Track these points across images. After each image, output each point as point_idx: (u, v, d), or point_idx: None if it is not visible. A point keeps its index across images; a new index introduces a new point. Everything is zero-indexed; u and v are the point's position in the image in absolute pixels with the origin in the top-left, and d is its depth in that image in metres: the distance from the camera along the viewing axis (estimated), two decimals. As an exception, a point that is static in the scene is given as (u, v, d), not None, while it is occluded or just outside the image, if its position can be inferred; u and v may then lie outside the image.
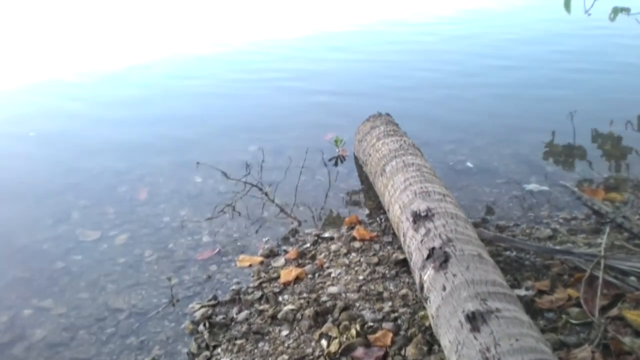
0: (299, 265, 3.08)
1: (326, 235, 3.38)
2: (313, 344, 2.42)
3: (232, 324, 2.66)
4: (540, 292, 2.52)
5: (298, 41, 8.29)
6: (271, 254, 3.25)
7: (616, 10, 4.47)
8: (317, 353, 2.35)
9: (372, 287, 2.75)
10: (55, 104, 6.19)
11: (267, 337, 2.52)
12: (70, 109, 5.96)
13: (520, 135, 4.58)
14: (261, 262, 3.18)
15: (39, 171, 4.51)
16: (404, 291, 2.69)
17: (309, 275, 2.97)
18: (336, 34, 8.56)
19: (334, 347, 2.35)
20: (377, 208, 3.54)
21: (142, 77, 7.02)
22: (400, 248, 2.94)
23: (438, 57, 6.60)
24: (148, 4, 13.53)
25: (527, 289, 2.55)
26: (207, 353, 2.49)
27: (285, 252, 3.25)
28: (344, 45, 7.75)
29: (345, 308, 2.59)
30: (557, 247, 2.82)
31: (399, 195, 3.03)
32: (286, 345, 2.44)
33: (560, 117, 4.89)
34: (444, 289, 2.12)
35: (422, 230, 2.57)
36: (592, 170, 4.02)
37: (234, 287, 2.98)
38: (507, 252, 2.89)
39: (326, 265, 3.05)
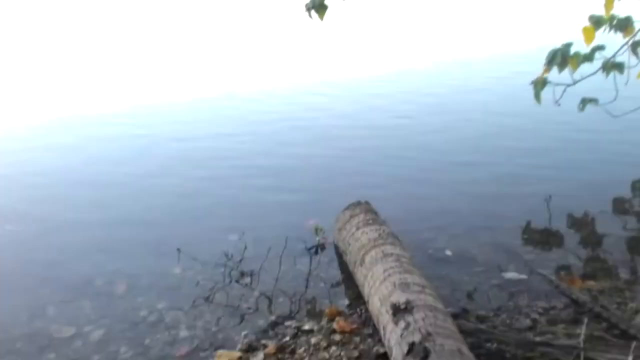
0: (278, 361, 3.02)
1: (306, 327, 3.34)
2: None
3: None
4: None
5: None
6: (250, 349, 3.19)
7: (585, 101, 4.70)
8: None
9: (353, 383, 2.70)
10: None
11: None
12: (38, 192, 5.86)
13: (498, 221, 4.65)
14: (239, 358, 3.11)
15: (14, 265, 4.42)
16: (385, 387, 2.64)
17: (289, 372, 2.91)
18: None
19: None
20: (358, 298, 3.52)
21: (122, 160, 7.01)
22: (380, 341, 2.91)
23: (413, 141, 6.72)
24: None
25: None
26: None
27: (265, 346, 3.19)
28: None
29: (325, 407, 2.54)
30: (537, 339, 2.82)
31: (379, 287, 3.03)
32: None
33: (536, 202, 4.98)
34: (424, 387, 2.10)
35: (402, 324, 2.56)
36: (570, 256, 4.07)
37: (211, 385, 2.90)
38: (488, 344, 2.87)
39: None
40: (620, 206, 4.91)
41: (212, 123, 8.00)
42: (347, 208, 4.19)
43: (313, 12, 4.29)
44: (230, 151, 6.71)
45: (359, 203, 4.24)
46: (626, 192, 5.14)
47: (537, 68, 4.24)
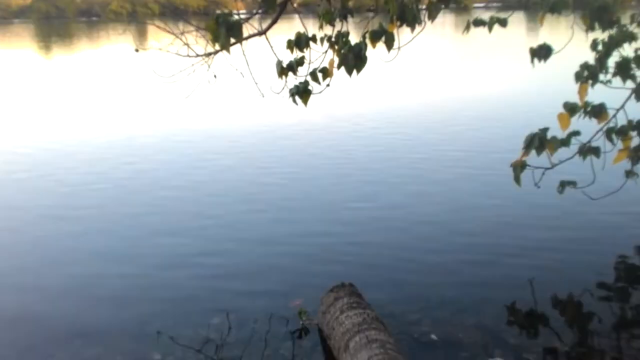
0: None
1: (289, 418, 3.24)
2: None
3: None
4: None
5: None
6: None
7: (563, 184, 4.82)
8: None
9: None
10: None
11: None
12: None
13: (483, 304, 4.62)
14: None
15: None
16: None
17: None
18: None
19: None
20: (342, 386, 3.44)
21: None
22: None
23: (397, 224, 6.76)
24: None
25: None
26: None
27: None
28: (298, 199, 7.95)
29: None
30: None
31: (363, 376, 2.98)
32: None
33: (520, 284, 4.99)
34: None
35: (386, 417, 2.50)
36: (555, 340, 4.04)
37: None
38: None
39: None
40: (604, 286, 4.92)
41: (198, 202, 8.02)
42: (331, 290, 4.16)
43: (297, 97, 4.44)
44: (219, 226, 6.70)
45: (343, 285, 4.21)
46: (609, 273, 5.17)
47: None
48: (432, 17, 3.89)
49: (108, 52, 36.28)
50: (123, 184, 8.56)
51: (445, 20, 54.26)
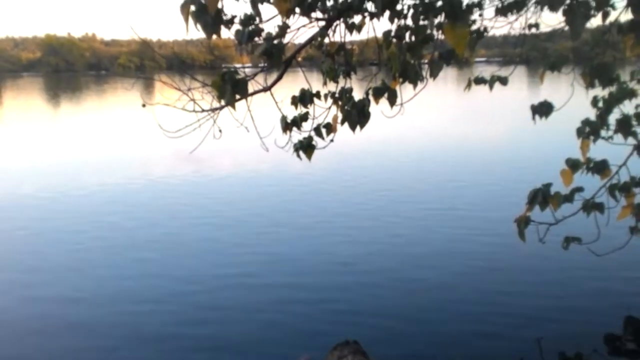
0: None
1: None
2: None
3: None
4: None
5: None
6: None
7: (568, 240, 4.79)
8: None
9: None
10: None
11: None
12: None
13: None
14: None
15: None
16: None
17: None
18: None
19: None
20: None
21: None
22: None
23: (403, 281, 6.70)
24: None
25: None
26: None
27: None
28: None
29: None
30: None
31: None
32: None
33: (527, 344, 4.90)
34: None
35: None
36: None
37: None
38: None
39: None
40: (612, 345, 4.82)
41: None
42: (335, 348, 4.09)
43: (301, 152, 4.48)
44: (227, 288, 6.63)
45: (347, 343, 4.14)
46: (618, 330, 5.08)
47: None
48: (433, 74, 3.95)
49: (115, 106, 36.90)
50: (108, 244, 8.48)
51: (447, 75, 55.23)
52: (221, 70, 4.07)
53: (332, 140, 4.39)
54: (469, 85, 4.51)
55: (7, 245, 8.50)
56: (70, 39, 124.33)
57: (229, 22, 3.84)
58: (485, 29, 3.97)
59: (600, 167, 4.32)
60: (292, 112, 4.56)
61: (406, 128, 19.06)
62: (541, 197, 4.33)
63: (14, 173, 14.30)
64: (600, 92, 4.51)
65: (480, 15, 3.92)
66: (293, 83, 4.35)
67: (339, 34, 4.33)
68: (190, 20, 3.46)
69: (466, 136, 18.46)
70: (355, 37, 4.43)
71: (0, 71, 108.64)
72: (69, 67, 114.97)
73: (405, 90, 4.20)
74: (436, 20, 3.69)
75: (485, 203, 10.04)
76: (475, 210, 9.60)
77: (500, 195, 10.54)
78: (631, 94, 4.44)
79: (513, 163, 13.58)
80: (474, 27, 4.01)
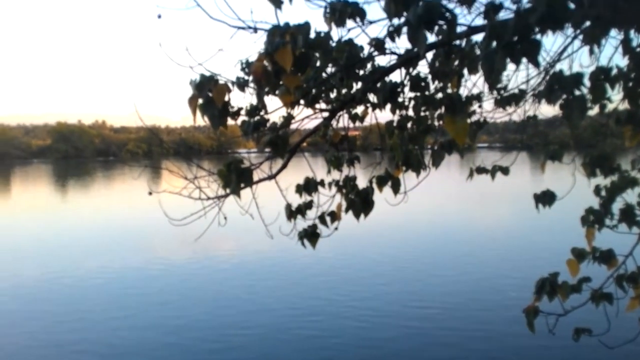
0: None
1: None
2: None
3: None
4: None
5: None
6: None
7: (579, 332, 4.67)
8: None
9: None
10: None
11: None
12: None
13: None
14: None
15: None
16: None
17: None
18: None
19: None
20: None
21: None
22: None
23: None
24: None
25: None
26: None
27: None
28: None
29: None
30: None
31: None
32: None
33: None
34: None
35: None
36: None
37: None
38: None
39: None
40: None
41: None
42: None
43: (306, 240, 4.48)
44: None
45: None
46: None
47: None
48: (436, 164, 4.01)
49: (123, 192, 37.26)
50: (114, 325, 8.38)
51: (450, 160, 55.69)
52: (227, 155, 4.16)
53: (336, 229, 4.40)
54: (470, 175, 4.57)
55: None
56: (80, 126, 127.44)
57: (235, 114, 3.95)
58: (485, 120, 4.07)
59: (607, 257, 4.28)
60: (296, 200, 4.59)
61: (410, 215, 19.10)
62: (549, 286, 4.27)
63: (21, 258, 14.26)
64: (602, 180, 4.53)
65: (480, 106, 4.04)
66: (297, 169, 4.42)
67: (342, 123, 4.44)
68: (198, 111, 3.56)
69: (469, 224, 18.48)
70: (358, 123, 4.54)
71: (11, 158, 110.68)
72: (77, 154, 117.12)
73: (408, 178, 4.25)
74: (436, 112, 3.80)
75: (491, 293, 9.88)
76: (480, 300, 9.44)
77: (505, 285, 10.39)
78: (633, 183, 4.47)
79: (518, 252, 13.48)
80: (474, 118, 4.12)
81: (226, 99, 3.66)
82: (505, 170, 4.51)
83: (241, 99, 3.87)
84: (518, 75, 4.24)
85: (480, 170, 4.54)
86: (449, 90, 3.75)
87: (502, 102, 3.93)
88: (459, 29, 3.14)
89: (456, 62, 3.65)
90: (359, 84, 4.04)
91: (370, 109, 4.24)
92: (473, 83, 3.93)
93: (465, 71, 3.67)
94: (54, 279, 11.72)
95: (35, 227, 20.44)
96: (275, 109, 4.04)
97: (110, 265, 12.87)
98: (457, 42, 3.47)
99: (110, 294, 10.35)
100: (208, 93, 3.57)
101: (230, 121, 3.84)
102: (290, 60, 3.07)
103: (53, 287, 11.03)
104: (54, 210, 27.11)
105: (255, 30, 3.69)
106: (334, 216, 4.41)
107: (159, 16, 3.82)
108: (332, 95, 4.24)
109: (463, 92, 3.83)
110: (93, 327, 8.33)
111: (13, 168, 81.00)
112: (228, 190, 4.29)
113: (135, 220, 21.45)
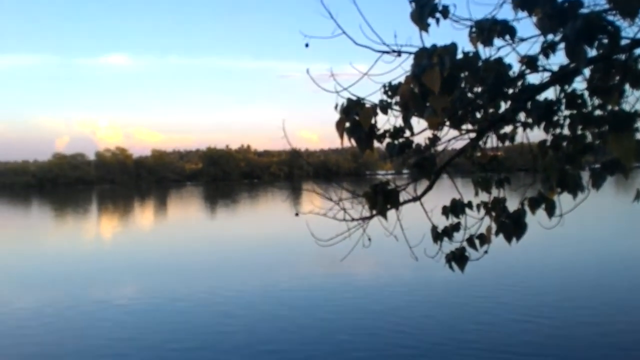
0: None
1: None
2: None
3: None
4: None
5: None
6: None
7: None
8: None
9: None
10: None
11: None
12: None
13: None
14: None
15: None
16: None
17: None
18: None
19: None
20: None
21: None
22: None
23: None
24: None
25: None
26: None
27: None
28: None
29: None
30: None
31: None
32: None
33: None
34: None
35: None
36: None
37: None
38: None
39: None
40: None
41: None
42: None
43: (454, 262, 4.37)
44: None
45: None
46: None
47: None
48: (597, 185, 3.74)
49: (269, 213, 39.01)
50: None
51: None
52: (365, 177, 4.21)
53: (486, 252, 4.26)
54: (637, 197, 4.20)
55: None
56: (228, 151, 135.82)
57: (382, 136, 3.99)
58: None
59: None
60: (442, 222, 4.51)
61: (565, 239, 17.95)
62: None
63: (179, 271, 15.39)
64: None
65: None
66: (440, 190, 4.35)
67: (490, 143, 4.32)
68: (345, 134, 3.64)
69: (633, 254, 16.88)
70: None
71: (167, 181, 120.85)
72: (225, 177, 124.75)
73: (564, 199, 4.00)
74: (596, 130, 3.56)
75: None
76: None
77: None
78: None
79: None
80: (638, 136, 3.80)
81: (372, 122, 3.72)
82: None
83: (384, 122, 3.90)
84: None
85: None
86: (609, 107, 3.51)
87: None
88: (622, 42, 2.94)
89: (617, 77, 3.41)
90: (508, 103, 3.92)
91: (520, 128, 4.07)
92: (637, 98, 3.64)
93: (627, 86, 3.42)
94: (206, 297, 12.50)
95: (198, 246, 21.98)
96: (420, 130, 4.04)
97: (273, 285, 13.48)
98: (619, 55, 3.25)
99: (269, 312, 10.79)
100: (355, 116, 3.66)
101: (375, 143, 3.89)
102: (438, 81, 3.06)
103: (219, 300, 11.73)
104: (218, 229, 29.01)
105: (399, 53, 3.73)
106: (483, 239, 4.28)
107: (307, 45, 4.00)
108: (478, 115, 4.14)
109: (625, 108, 3.56)
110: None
111: (169, 190, 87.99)
112: (374, 212, 4.33)
113: (278, 239, 22.34)
